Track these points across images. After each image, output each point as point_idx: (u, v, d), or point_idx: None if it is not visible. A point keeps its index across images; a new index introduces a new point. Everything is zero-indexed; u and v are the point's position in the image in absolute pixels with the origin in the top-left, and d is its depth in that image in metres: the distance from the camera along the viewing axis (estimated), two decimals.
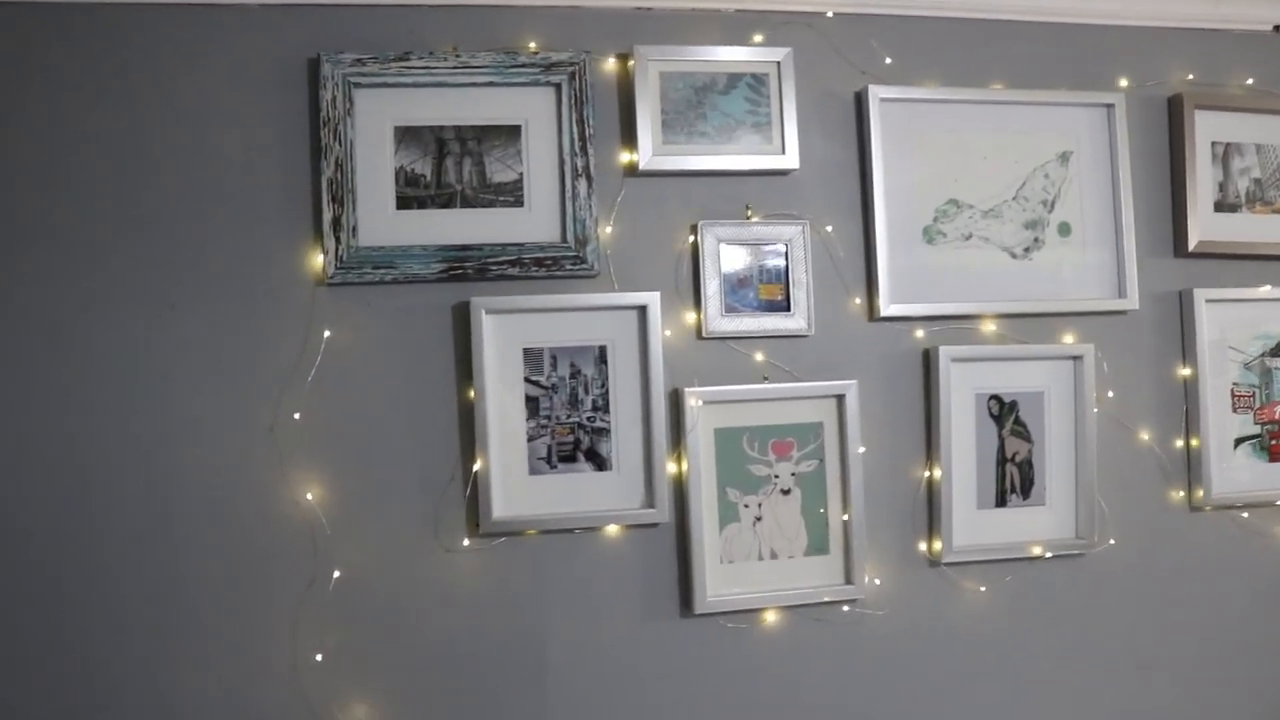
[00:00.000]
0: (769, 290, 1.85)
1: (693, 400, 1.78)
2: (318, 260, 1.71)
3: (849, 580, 1.85)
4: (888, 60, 1.90)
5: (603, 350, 1.78)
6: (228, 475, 1.68)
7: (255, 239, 1.70)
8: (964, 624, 1.91)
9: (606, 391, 1.78)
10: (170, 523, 1.66)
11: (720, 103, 1.82)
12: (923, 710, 1.89)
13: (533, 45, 1.77)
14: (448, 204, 1.75)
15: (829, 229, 1.87)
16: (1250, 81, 2.07)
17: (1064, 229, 1.96)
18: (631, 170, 1.80)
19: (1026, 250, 1.95)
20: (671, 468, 1.79)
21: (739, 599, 1.81)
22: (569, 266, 1.75)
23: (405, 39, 1.74)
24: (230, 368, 1.68)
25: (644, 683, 1.79)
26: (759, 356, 1.84)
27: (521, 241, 1.75)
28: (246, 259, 1.70)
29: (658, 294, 1.77)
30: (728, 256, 1.82)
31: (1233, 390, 2.04)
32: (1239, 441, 2.04)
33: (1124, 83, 2.01)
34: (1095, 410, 1.94)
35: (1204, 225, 2.02)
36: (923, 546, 1.90)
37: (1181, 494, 2.02)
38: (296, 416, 1.69)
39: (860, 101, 1.89)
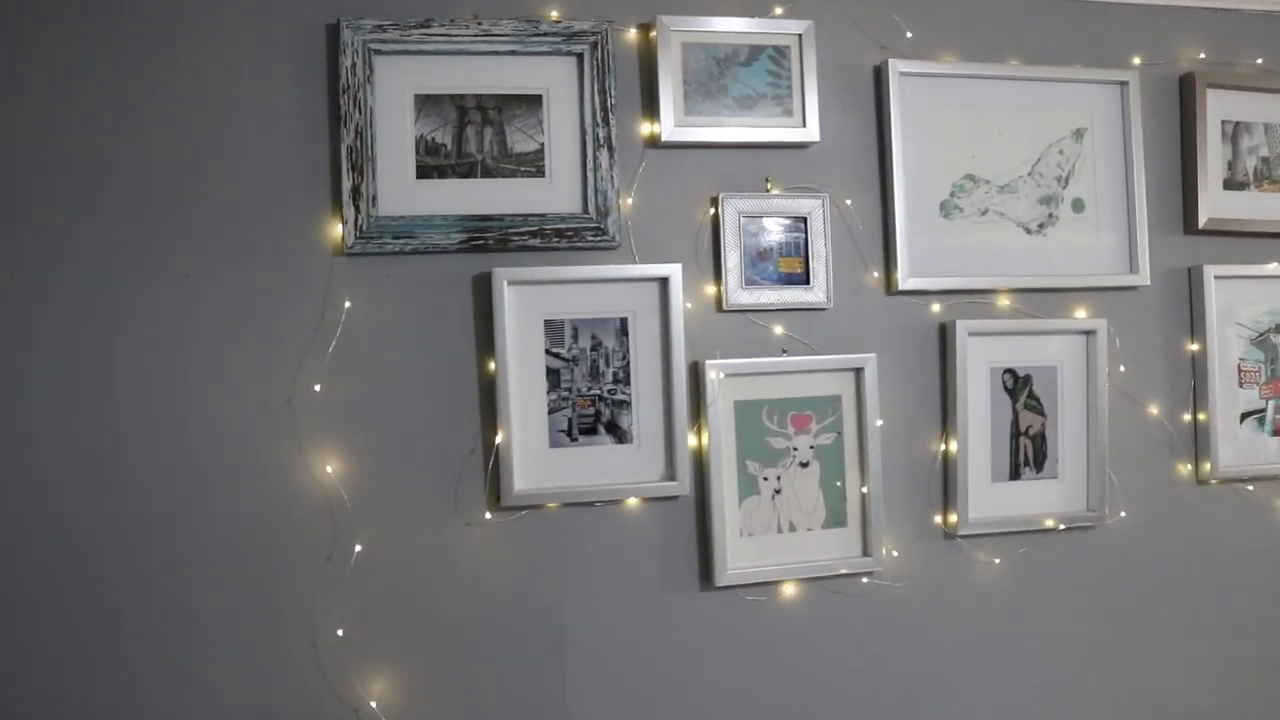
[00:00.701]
0: (788, 263, 1.84)
1: (713, 373, 1.78)
2: (336, 230, 1.68)
3: (866, 552, 1.86)
4: (908, 34, 1.90)
5: (624, 322, 1.77)
6: (245, 449, 1.65)
7: (272, 208, 1.67)
8: (979, 595, 1.93)
9: (627, 364, 1.77)
10: (187, 497, 1.63)
11: (742, 74, 1.82)
12: (939, 680, 1.91)
13: (554, 14, 1.76)
14: (468, 173, 1.73)
15: (848, 202, 1.87)
16: (1260, 61, 2.09)
17: (1078, 205, 1.98)
18: (652, 141, 1.79)
19: (1041, 226, 1.96)
20: (691, 440, 1.79)
21: (758, 571, 1.81)
22: (590, 238, 1.74)
23: (426, 6, 1.71)
24: (247, 339, 1.66)
25: (664, 655, 1.79)
26: (778, 329, 1.84)
27: (543, 212, 1.74)
28: (263, 228, 1.67)
29: (679, 266, 1.76)
30: (748, 229, 1.82)
31: (1239, 365, 2.07)
32: (1245, 416, 2.07)
33: (1137, 61, 2.02)
34: (1107, 385, 1.96)
35: (1213, 203, 2.04)
36: (938, 519, 1.92)
37: (1189, 467, 2.05)
38: (317, 388, 1.67)
39: (879, 75, 1.89)
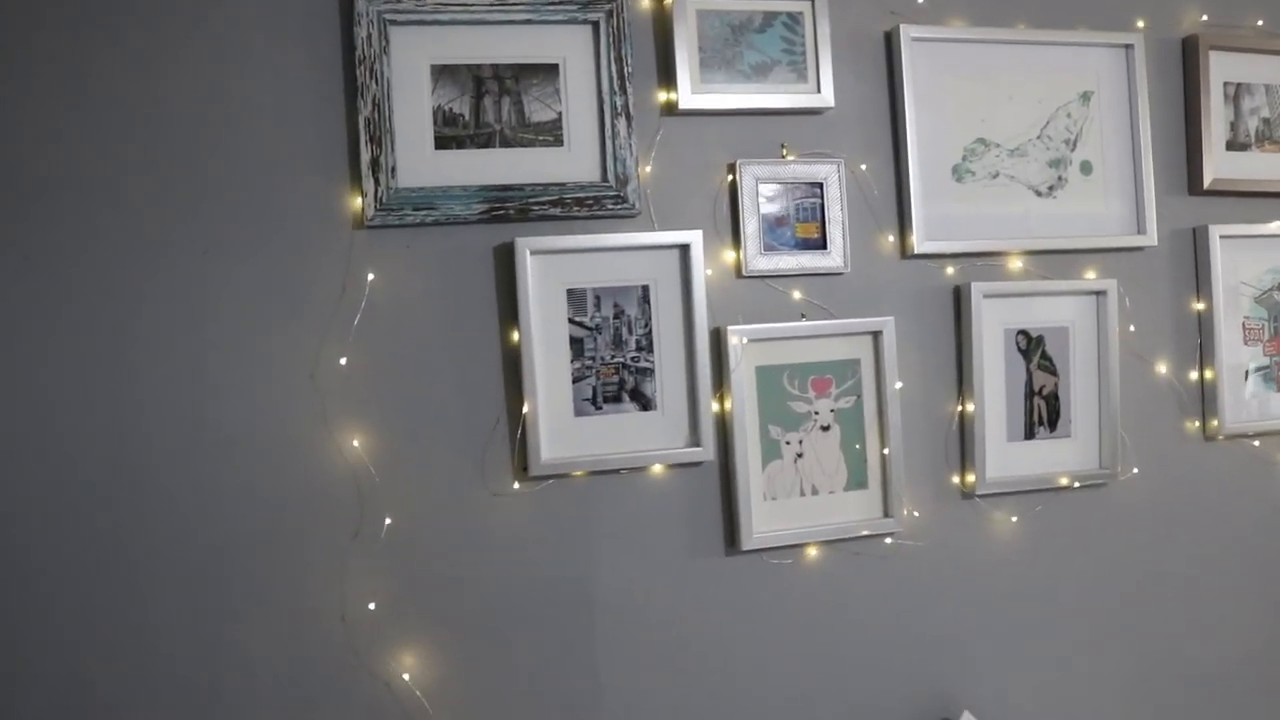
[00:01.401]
0: (805, 229, 1.86)
1: (735, 339, 1.79)
2: (356, 202, 1.67)
3: (887, 514, 1.88)
4: (919, 0, 1.91)
5: (645, 290, 1.77)
6: (269, 424, 1.64)
7: (290, 182, 1.66)
8: (997, 553, 1.96)
9: (650, 331, 1.78)
10: (211, 474, 1.62)
11: (756, 41, 1.82)
12: (960, 637, 1.94)
13: None
14: (487, 144, 1.73)
15: (863, 167, 1.89)
16: (1260, 23, 2.12)
17: (1086, 167, 2.00)
18: (669, 109, 1.80)
19: (1051, 188, 1.98)
20: (714, 406, 1.80)
21: (782, 535, 1.83)
22: (610, 206, 1.74)
23: None
24: (268, 315, 1.65)
25: (691, 620, 1.81)
26: (796, 295, 1.86)
27: (562, 181, 1.74)
28: (281, 203, 1.66)
29: (700, 233, 1.77)
30: (765, 195, 1.83)
31: (1243, 324, 2.11)
32: (1249, 373, 2.11)
33: (1141, 24, 2.04)
34: (1117, 344, 1.98)
35: (1217, 164, 2.07)
36: (955, 479, 1.94)
37: (1196, 424, 2.08)
38: (343, 362, 1.66)
39: (890, 41, 1.90)
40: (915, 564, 1.91)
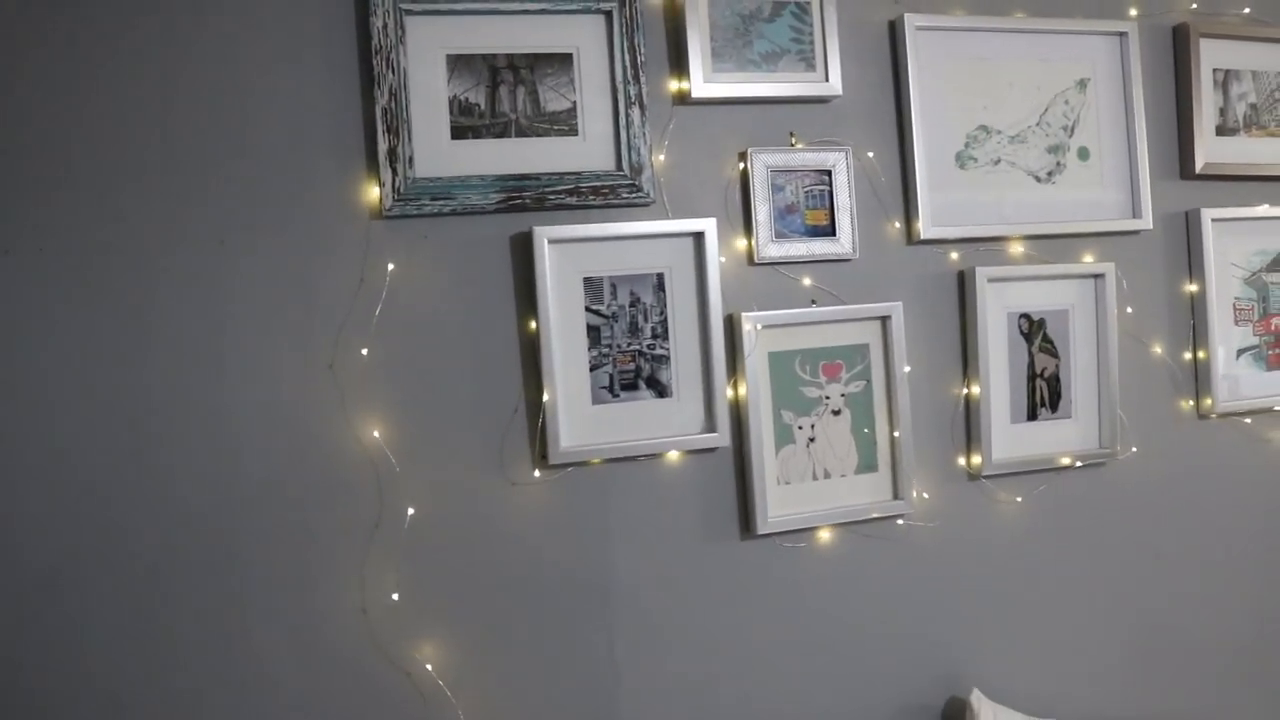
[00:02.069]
0: (815, 216, 1.88)
1: (749, 325, 1.81)
2: (373, 192, 1.67)
3: (898, 496, 1.91)
4: None
5: (660, 277, 1.79)
6: (287, 415, 1.64)
7: (306, 172, 1.65)
8: (1003, 533, 2.00)
9: (665, 319, 1.79)
10: (228, 466, 1.61)
11: (766, 30, 1.84)
12: (969, 616, 1.98)
13: None
14: (503, 133, 1.73)
15: (870, 155, 1.91)
16: (1247, 11, 2.18)
17: (1083, 153, 2.04)
18: (681, 98, 1.81)
19: (1050, 174, 2.03)
20: (729, 392, 1.82)
21: (796, 518, 1.85)
22: (625, 195, 1.76)
23: None
24: (286, 305, 1.64)
25: (707, 604, 1.83)
26: (807, 281, 1.88)
27: (578, 170, 1.75)
28: (297, 193, 1.65)
29: (714, 220, 1.79)
30: (775, 183, 1.85)
31: (1234, 304, 2.17)
32: (1241, 352, 2.17)
33: (1134, 12, 2.09)
34: (1116, 326, 2.03)
35: (1208, 148, 2.13)
36: (962, 461, 1.98)
37: (1191, 403, 2.14)
38: (364, 352, 1.66)
39: (894, 29, 1.93)
40: (925, 545, 1.95)
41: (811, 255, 1.87)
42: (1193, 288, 2.13)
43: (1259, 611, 2.20)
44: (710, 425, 1.80)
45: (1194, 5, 2.13)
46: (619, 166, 1.76)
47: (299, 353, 1.65)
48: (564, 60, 1.76)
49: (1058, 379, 2.03)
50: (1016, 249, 2.00)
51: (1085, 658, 2.06)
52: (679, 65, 1.81)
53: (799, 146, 1.87)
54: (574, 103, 1.76)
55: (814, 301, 1.88)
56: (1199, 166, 2.11)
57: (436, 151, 1.70)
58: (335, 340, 1.66)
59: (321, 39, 1.66)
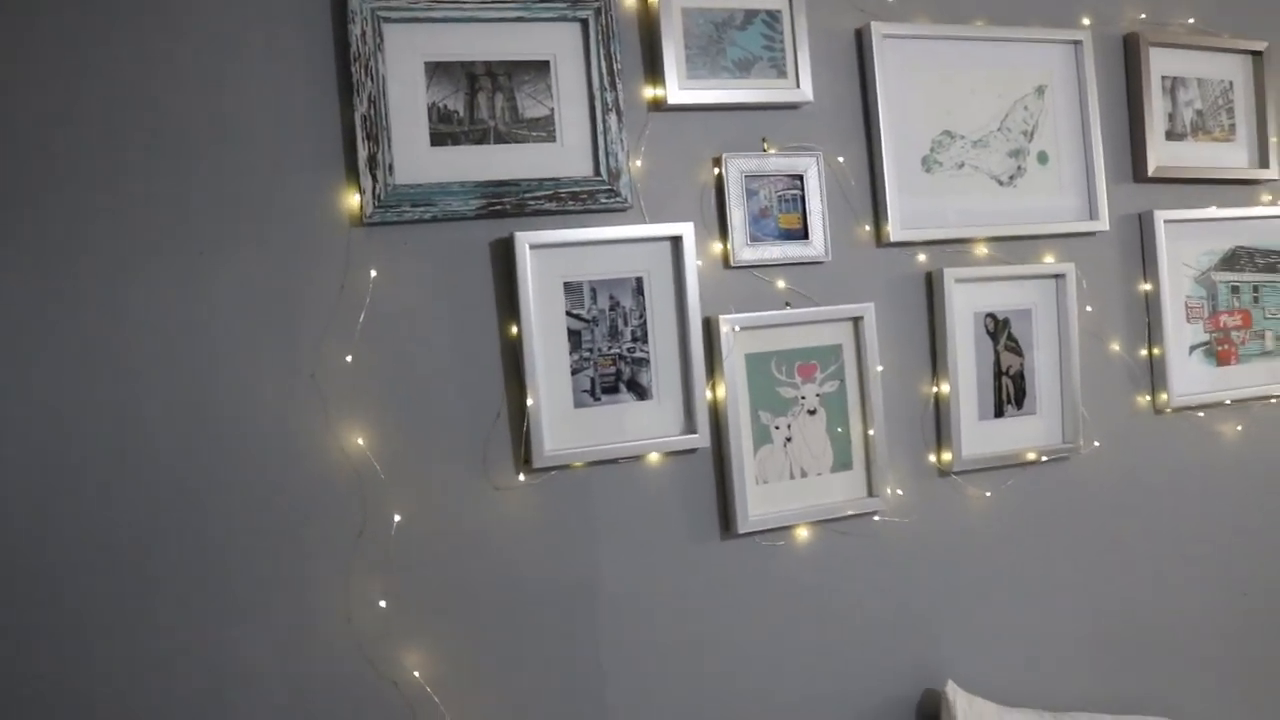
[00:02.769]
0: (788, 220, 1.92)
1: (727, 327, 1.84)
2: (353, 200, 1.67)
3: (872, 493, 1.96)
4: None
5: (640, 281, 1.81)
6: (269, 423, 1.63)
7: (286, 179, 1.65)
8: (974, 527, 2.05)
9: (645, 322, 1.82)
10: (210, 475, 1.60)
11: (739, 38, 1.88)
12: (943, 609, 2.03)
13: None
14: (481, 140, 1.74)
15: (840, 159, 1.96)
16: (1191, 21, 2.27)
17: (1042, 157, 2.11)
18: (656, 105, 1.84)
19: (1011, 178, 2.09)
20: (708, 394, 1.84)
21: (774, 517, 1.88)
22: (603, 200, 1.78)
23: None
24: (266, 313, 1.63)
25: (690, 604, 1.85)
26: (780, 283, 1.92)
27: (557, 176, 1.76)
28: (277, 200, 1.64)
29: (691, 224, 1.82)
30: (750, 188, 1.88)
31: (1186, 302, 2.25)
32: (1193, 349, 2.26)
33: (1086, 21, 2.16)
34: (1077, 324, 2.10)
35: (1159, 152, 2.21)
36: (932, 458, 2.03)
37: (1147, 398, 2.22)
38: (349, 359, 1.65)
39: (861, 38, 1.98)
40: (899, 541, 1.99)
41: (785, 258, 1.91)
42: (1147, 287, 2.21)
43: (1214, 597, 2.29)
44: (690, 427, 1.83)
45: (1142, 16, 2.22)
46: (597, 172, 1.78)
47: (281, 361, 1.64)
48: (541, 68, 1.77)
49: (1022, 376, 2.09)
50: (981, 250, 2.06)
51: (1053, 646, 2.12)
52: (654, 72, 1.83)
53: (771, 152, 1.90)
54: (551, 109, 1.78)
55: (788, 304, 1.92)
56: (1151, 170, 2.19)
57: (416, 158, 1.70)
58: (317, 348, 1.65)
59: (300, 47, 1.65)
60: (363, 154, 1.66)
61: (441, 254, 1.72)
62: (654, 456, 1.83)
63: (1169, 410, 2.22)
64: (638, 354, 1.81)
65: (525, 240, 1.72)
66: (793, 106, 1.92)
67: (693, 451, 1.85)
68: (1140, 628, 2.21)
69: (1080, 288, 2.12)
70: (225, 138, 1.62)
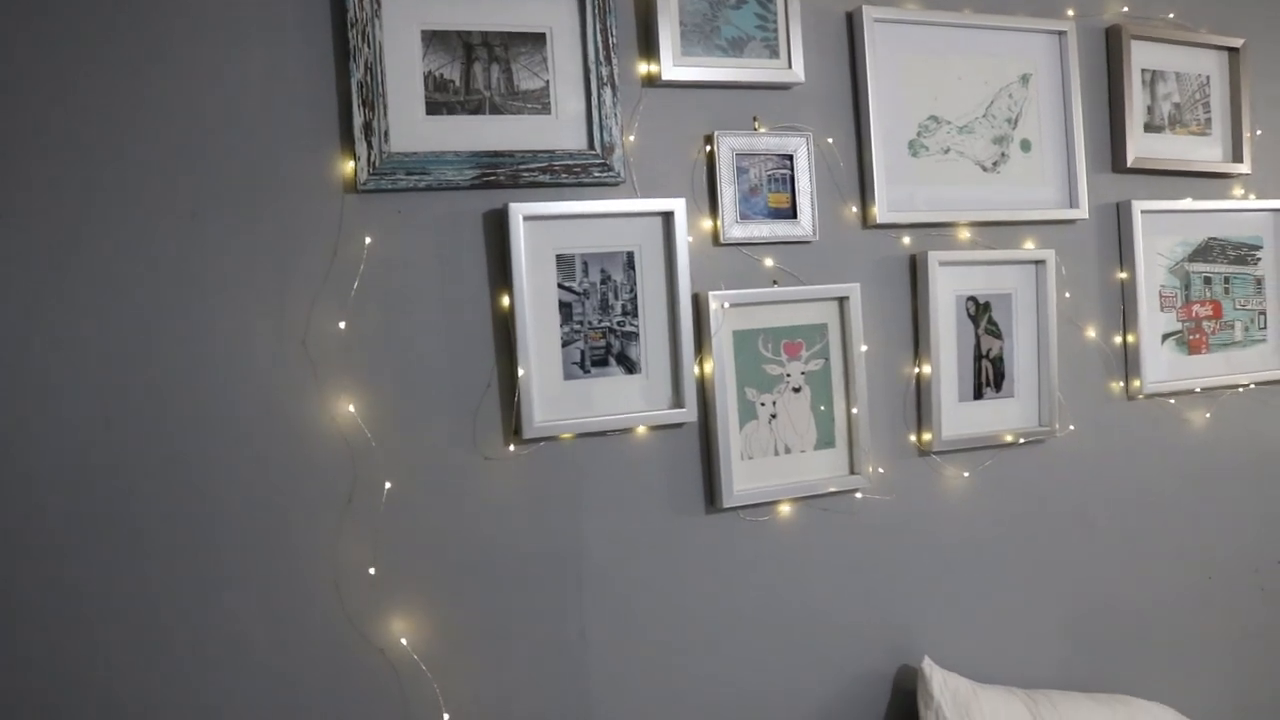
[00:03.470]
0: (777, 199, 1.94)
1: (715, 303, 1.86)
2: (348, 166, 1.67)
3: (854, 471, 1.98)
4: None
5: (630, 256, 1.82)
6: (257, 389, 1.62)
7: (280, 144, 1.64)
8: (952, 507, 2.09)
9: (635, 296, 1.83)
10: (198, 440, 1.59)
11: (733, 17, 1.89)
12: (921, 586, 2.07)
13: None
14: (477, 110, 1.74)
15: (829, 140, 1.98)
16: (1171, 16, 2.32)
17: (1025, 145, 2.15)
18: (650, 80, 1.85)
19: (995, 164, 2.12)
20: (695, 369, 1.86)
21: (758, 492, 1.91)
22: (596, 174, 1.78)
23: None
24: (257, 278, 1.62)
25: (673, 576, 1.87)
26: (769, 262, 1.94)
27: (551, 149, 1.77)
28: (271, 165, 1.63)
29: (683, 200, 1.83)
30: (740, 166, 1.90)
31: (1160, 291, 2.30)
32: (1165, 337, 2.31)
33: (1070, 12, 2.20)
34: (1055, 310, 2.14)
35: (1138, 144, 2.25)
36: (913, 438, 2.06)
37: (1120, 384, 2.27)
38: (341, 326, 1.65)
39: (852, 20, 2.00)
40: (879, 519, 2.02)
41: (774, 237, 1.93)
42: (1123, 275, 2.26)
43: (1181, 579, 2.35)
44: (678, 401, 1.84)
45: (1125, 9, 2.26)
46: (591, 146, 1.79)
47: (272, 326, 1.63)
48: (537, 40, 1.78)
49: (1002, 360, 2.13)
50: (964, 235, 2.09)
51: (1027, 625, 2.17)
52: (649, 48, 1.84)
53: (762, 131, 1.92)
54: (547, 82, 1.78)
55: (775, 282, 1.94)
56: (1130, 160, 2.23)
57: (412, 127, 1.70)
58: (308, 314, 1.65)
59: (297, 11, 1.64)
60: (358, 120, 1.65)
61: (435, 223, 1.72)
62: (641, 430, 1.84)
63: (1141, 396, 2.27)
64: (627, 328, 1.83)
65: (519, 211, 1.72)
66: (784, 87, 1.94)
67: (679, 426, 1.87)
68: (1109, 608, 2.26)
69: (1060, 274, 2.16)
70: (220, 101, 1.60)
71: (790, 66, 1.92)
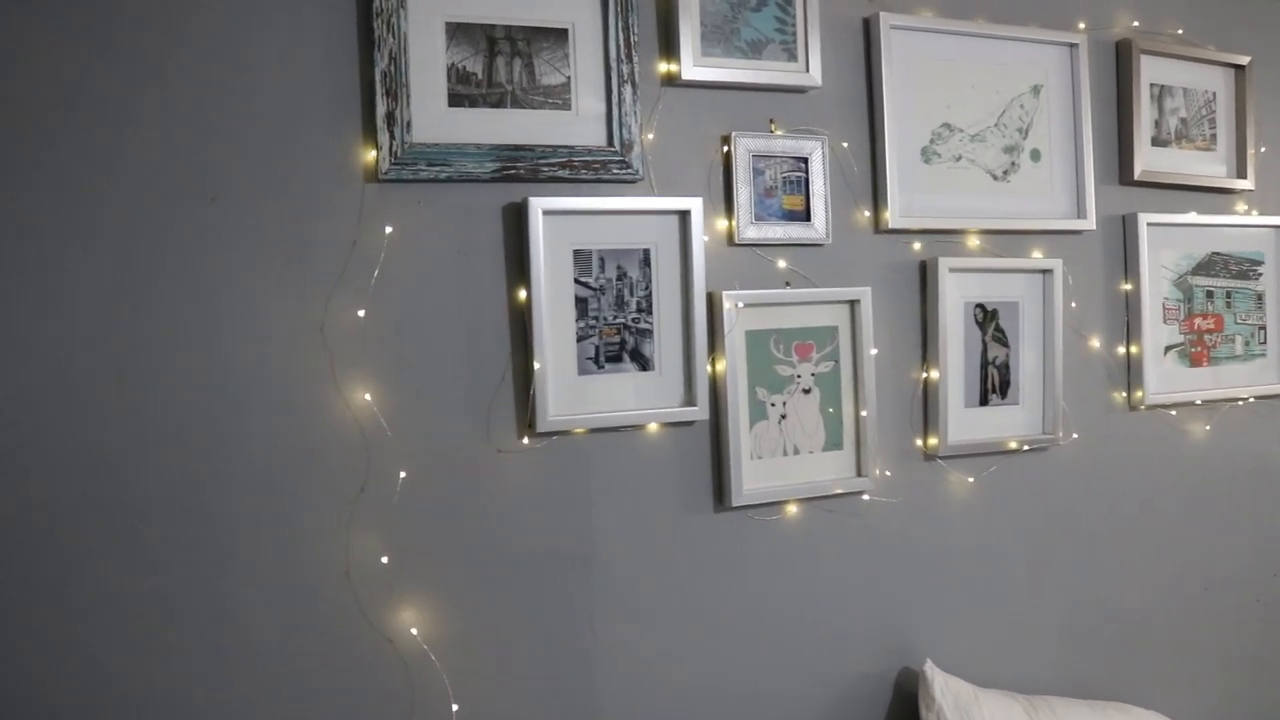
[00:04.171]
0: (792, 201, 1.95)
1: (730, 303, 1.87)
2: (369, 156, 1.67)
3: (860, 473, 2.00)
4: None
5: (647, 253, 1.83)
6: (274, 376, 1.61)
7: (302, 132, 1.64)
8: (956, 511, 2.11)
9: (650, 294, 1.84)
10: (214, 422, 1.58)
11: (753, 19, 1.91)
12: (924, 590, 2.08)
13: None
14: (498, 103, 1.75)
15: (844, 145, 2.00)
16: (1180, 31, 2.35)
17: (1035, 155, 2.17)
18: (670, 80, 1.86)
19: (1005, 173, 2.14)
20: (708, 368, 1.87)
21: (767, 491, 1.92)
22: (615, 170, 1.79)
23: None
24: (277, 264, 1.62)
25: (681, 573, 1.87)
26: (782, 263, 1.95)
27: (571, 144, 1.78)
28: (292, 152, 1.63)
29: (700, 199, 1.84)
30: (756, 167, 1.91)
31: (1164, 304, 2.33)
32: (1168, 349, 2.33)
33: (1081, 25, 2.23)
34: (1062, 319, 2.16)
35: (1145, 157, 2.28)
36: (919, 442, 2.08)
37: (1123, 395, 2.29)
38: (360, 314, 1.65)
39: (869, 27, 2.02)
40: (884, 521, 2.04)
41: (788, 238, 1.94)
42: (1128, 286, 2.28)
43: (1179, 587, 2.37)
44: (690, 399, 1.85)
45: (1135, 23, 2.29)
46: (610, 142, 1.80)
47: (290, 313, 1.63)
48: (560, 35, 1.79)
49: (1008, 367, 2.15)
50: (973, 242, 2.11)
51: (1028, 630, 2.19)
52: (669, 48, 1.86)
53: (778, 133, 1.94)
54: (568, 77, 1.79)
55: (788, 283, 1.95)
56: (1137, 173, 2.26)
57: (434, 118, 1.71)
58: (326, 302, 1.65)
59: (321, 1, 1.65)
60: (381, 110, 1.66)
61: (455, 215, 1.72)
62: (653, 427, 1.85)
63: (1143, 407, 2.29)
64: (642, 325, 1.84)
65: (539, 206, 1.73)
66: (801, 90, 1.96)
67: (691, 424, 1.88)
68: (1109, 614, 2.28)
69: (1066, 284, 2.18)
70: (243, 86, 1.61)
71: (808, 70, 1.94)
